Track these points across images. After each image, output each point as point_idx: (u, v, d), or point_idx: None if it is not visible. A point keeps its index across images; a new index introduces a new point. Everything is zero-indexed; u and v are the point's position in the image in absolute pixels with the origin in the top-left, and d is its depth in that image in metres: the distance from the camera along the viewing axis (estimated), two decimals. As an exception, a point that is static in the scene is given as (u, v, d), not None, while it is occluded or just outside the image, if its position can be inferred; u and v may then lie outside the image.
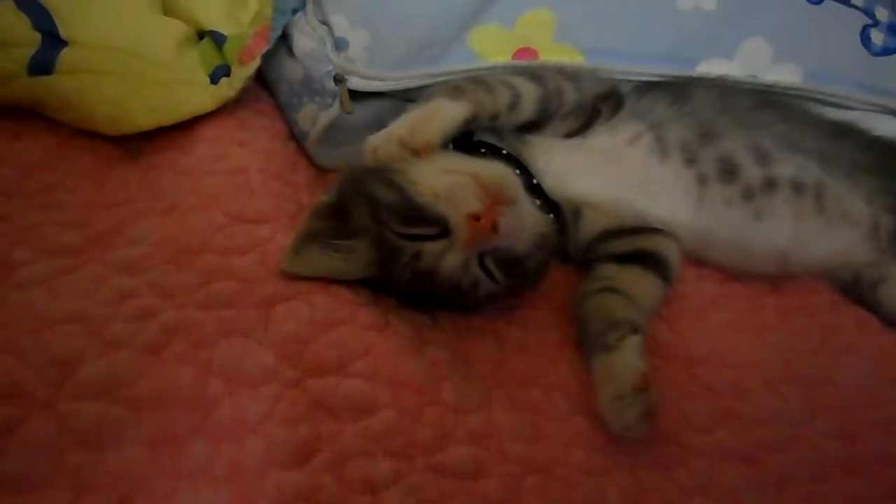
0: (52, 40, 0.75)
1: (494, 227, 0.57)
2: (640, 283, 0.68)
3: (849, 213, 0.75)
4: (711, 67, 0.85)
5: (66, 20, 0.76)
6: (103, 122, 0.74)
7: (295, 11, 0.81)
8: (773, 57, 0.85)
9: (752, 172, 0.73)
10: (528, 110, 0.70)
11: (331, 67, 0.77)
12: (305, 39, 0.79)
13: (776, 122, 0.77)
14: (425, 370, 0.57)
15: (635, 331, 0.61)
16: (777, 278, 0.78)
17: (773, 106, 0.80)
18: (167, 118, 0.76)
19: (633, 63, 0.83)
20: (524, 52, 0.82)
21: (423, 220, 0.59)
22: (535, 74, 0.72)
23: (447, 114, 0.64)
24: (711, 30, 0.85)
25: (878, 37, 0.89)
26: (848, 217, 0.76)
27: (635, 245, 0.72)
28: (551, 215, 0.71)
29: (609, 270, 0.69)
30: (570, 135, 0.73)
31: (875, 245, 0.76)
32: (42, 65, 0.74)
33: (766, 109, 0.79)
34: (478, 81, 0.69)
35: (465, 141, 0.71)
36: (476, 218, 0.57)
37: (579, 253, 0.74)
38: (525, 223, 0.62)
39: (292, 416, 0.52)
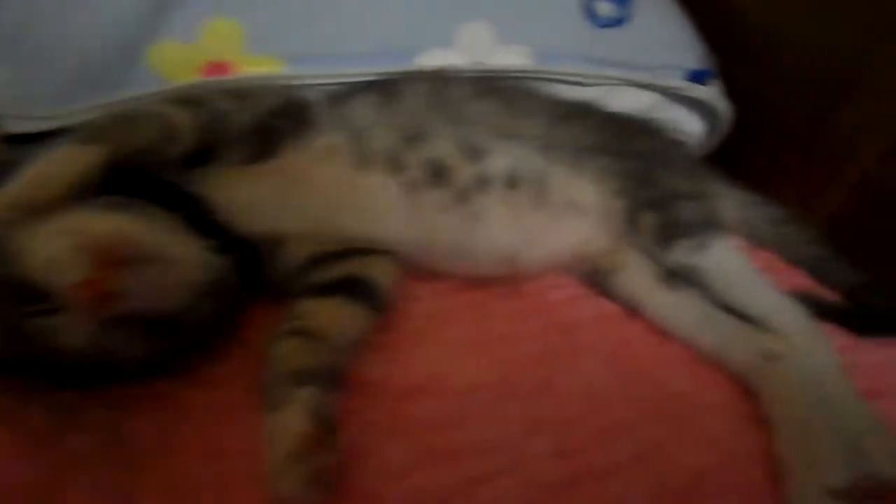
0: None
1: (109, 294, 0.49)
2: (339, 318, 0.61)
3: (576, 201, 0.71)
4: (431, 59, 0.79)
5: None
6: None
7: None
8: (497, 40, 0.81)
9: (463, 172, 0.68)
10: (187, 141, 0.61)
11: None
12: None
13: (495, 112, 0.72)
14: (45, 473, 0.48)
15: (310, 382, 0.53)
16: (519, 279, 0.73)
17: (494, 94, 0.74)
18: None
19: (340, 65, 0.76)
20: (215, 67, 0.73)
21: (33, 293, 0.50)
22: (195, 100, 0.64)
23: (74, 162, 0.55)
24: (424, 18, 0.79)
25: (604, 8, 0.85)
26: (576, 206, 0.71)
27: (339, 272, 0.65)
28: (235, 253, 0.62)
29: (304, 307, 0.62)
30: (254, 159, 0.65)
31: (609, 232, 0.72)
32: None
33: (486, 99, 0.73)
34: (121, 117, 0.60)
35: (137, 184, 0.61)
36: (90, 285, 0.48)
37: (282, 288, 0.66)
38: (170, 277, 0.54)
39: None
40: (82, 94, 0.69)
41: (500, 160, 0.68)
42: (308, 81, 0.75)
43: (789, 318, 0.68)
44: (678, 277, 0.71)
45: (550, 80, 0.82)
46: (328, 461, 0.50)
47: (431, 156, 0.67)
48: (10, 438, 0.49)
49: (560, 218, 0.71)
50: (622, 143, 0.75)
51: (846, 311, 0.78)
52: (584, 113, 0.77)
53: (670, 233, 0.70)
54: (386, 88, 0.72)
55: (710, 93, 0.88)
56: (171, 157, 0.61)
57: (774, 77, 1.00)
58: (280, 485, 0.48)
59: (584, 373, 0.64)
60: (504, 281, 0.72)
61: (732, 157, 1.03)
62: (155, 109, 0.61)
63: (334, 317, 0.61)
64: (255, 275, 0.64)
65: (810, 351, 0.65)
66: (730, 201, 0.87)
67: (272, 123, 0.65)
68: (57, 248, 0.50)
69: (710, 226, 0.71)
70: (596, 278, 0.73)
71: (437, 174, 0.67)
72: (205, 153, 0.62)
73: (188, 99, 0.63)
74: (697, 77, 0.87)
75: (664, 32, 0.88)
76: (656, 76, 0.86)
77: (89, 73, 0.69)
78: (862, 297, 0.80)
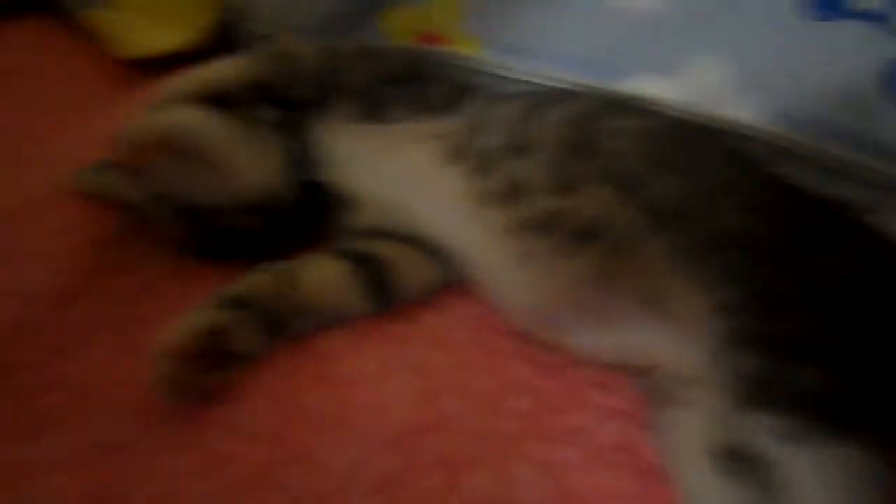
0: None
1: (137, 168, 0.59)
2: (327, 283, 0.59)
3: (663, 295, 0.53)
4: (640, 84, 0.67)
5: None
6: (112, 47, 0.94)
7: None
8: (733, 83, 0.63)
9: (537, 200, 0.56)
10: (311, 83, 0.66)
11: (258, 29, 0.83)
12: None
13: (633, 154, 0.57)
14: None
15: (238, 310, 0.55)
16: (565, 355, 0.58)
17: (659, 135, 0.59)
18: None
19: (532, 63, 0.70)
20: (428, 37, 0.76)
21: None
22: (333, 49, 0.68)
23: (220, 72, 0.66)
24: (651, 39, 0.67)
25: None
26: (660, 300, 0.53)
27: (369, 247, 0.62)
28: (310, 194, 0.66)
29: (309, 259, 0.61)
30: (361, 119, 0.66)
31: (690, 353, 0.52)
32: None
33: (641, 139, 0.58)
34: (275, 50, 0.69)
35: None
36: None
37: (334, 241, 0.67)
38: (206, 177, 0.61)
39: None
40: (326, 34, 0.79)
41: (584, 204, 0.55)
42: (497, 72, 0.72)
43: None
44: (742, 459, 0.47)
45: (782, 151, 0.60)
46: (195, 380, 0.51)
47: (519, 172, 0.58)
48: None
49: (630, 305, 0.54)
50: (795, 250, 0.52)
51: None
52: (775, 194, 0.55)
53: (759, 396, 0.47)
54: (550, 99, 0.64)
55: None
56: (298, 94, 0.67)
57: None
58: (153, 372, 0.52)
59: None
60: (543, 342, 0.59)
61: None
62: (300, 51, 0.68)
63: (323, 279, 0.60)
64: (320, 222, 0.67)
65: None
66: None
67: (379, 90, 0.65)
68: (140, 125, 0.62)
69: (830, 417, 0.45)
70: (653, 400, 0.54)
71: (512, 194, 0.58)
72: (322, 99, 0.67)
73: (331, 49, 0.68)
74: None
75: None
76: None
77: (333, 20, 0.79)
78: None
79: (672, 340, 0.53)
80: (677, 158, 0.57)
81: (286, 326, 0.57)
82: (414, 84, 0.66)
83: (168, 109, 0.64)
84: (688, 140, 0.59)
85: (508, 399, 0.53)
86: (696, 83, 0.64)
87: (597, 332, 0.55)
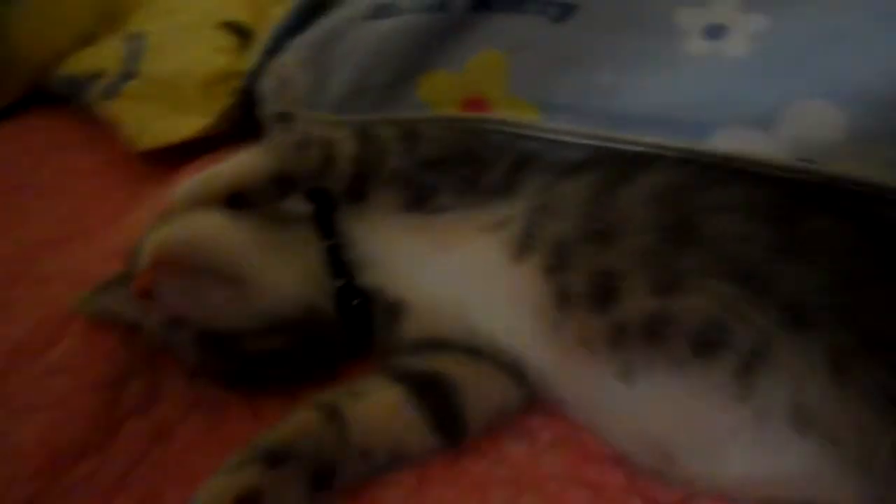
0: (126, 75, 0.90)
1: (146, 293, 0.50)
2: (384, 416, 0.49)
3: (816, 414, 0.41)
4: (732, 141, 0.55)
5: (149, 57, 0.91)
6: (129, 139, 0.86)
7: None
8: (846, 132, 0.52)
9: (636, 302, 0.46)
10: (344, 172, 0.57)
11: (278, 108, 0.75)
12: (269, 78, 0.77)
13: (747, 237, 0.46)
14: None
15: (280, 466, 0.45)
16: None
17: (773, 210, 0.49)
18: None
19: (603, 125, 0.60)
20: (474, 102, 0.66)
21: None
22: (367, 132, 0.59)
23: (241, 169, 0.57)
24: (738, 85, 0.56)
25: None
26: (812, 421, 0.41)
27: (429, 365, 0.52)
28: (351, 304, 0.56)
29: (361, 385, 0.51)
30: (405, 209, 0.57)
31: (862, 488, 0.40)
32: (111, 91, 0.90)
33: (752, 216, 0.48)
34: (298, 137, 0.59)
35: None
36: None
37: (386, 356, 0.56)
38: (221, 296, 0.51)
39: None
40: (358, 107, 0.71)
41: (696, 303, 0.44)
42: (564, 139, 0.62)
43: None
44: None
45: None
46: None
47: (608, 265, 0.48)
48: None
49: (772, 425, 0.42)
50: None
51: None
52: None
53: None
54: (627, 167, 0.54)
55: None
56: (336, 186, 0.58)
57: None
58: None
59: None
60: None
61: None
62: (328, 136, 0.59)
63: (377, 411, 0.49)
64: (366, 335, 0.57)
65: None
66: None
67: (425, 175, 0.56)
68: (148, 240, 0.53)
69: None
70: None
71: (602, 294, 0.47)
72: (359, 190, 0.57)
73: (365, 132, 0.59)
74: None
75: None
76: None
77: (360, 89, 0.70)
78: None
79: (831, 468, 0.41)
80: (805, 238, 0.46)
81: (336, 476, 0.47)
82: (464, 164, 0.57)
83: (180, 219, 0.55)
84: (810, 212, 0.48)
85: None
86: (802, 134, 0.53)
87: (731, 462, 0.44)
